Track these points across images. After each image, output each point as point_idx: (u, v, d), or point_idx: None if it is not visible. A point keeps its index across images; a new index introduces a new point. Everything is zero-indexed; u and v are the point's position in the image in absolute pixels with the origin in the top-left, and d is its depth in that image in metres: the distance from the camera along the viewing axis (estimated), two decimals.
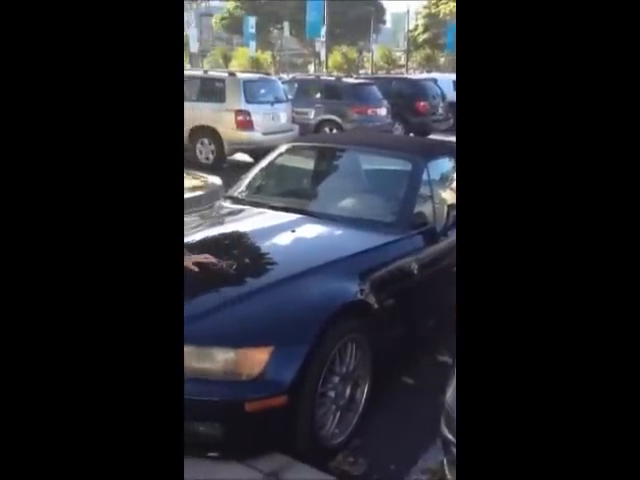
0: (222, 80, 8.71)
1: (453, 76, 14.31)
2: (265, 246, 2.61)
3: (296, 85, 11.54)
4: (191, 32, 23.93)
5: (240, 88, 8.48)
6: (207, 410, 1.91)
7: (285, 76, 16.74)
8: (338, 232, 2.81)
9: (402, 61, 40.26)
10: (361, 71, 34.65)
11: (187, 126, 8.62)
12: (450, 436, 1.60)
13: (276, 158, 3.58)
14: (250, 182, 3.45)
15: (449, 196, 3.11)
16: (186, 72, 10.71)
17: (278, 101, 9.08)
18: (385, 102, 11.09)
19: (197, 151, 8.70)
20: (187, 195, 5.76)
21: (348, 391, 2.28)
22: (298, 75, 16.53)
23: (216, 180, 6.57)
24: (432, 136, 11.00)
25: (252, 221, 2.95)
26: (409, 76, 17.59)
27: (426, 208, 2.92)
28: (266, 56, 35.60)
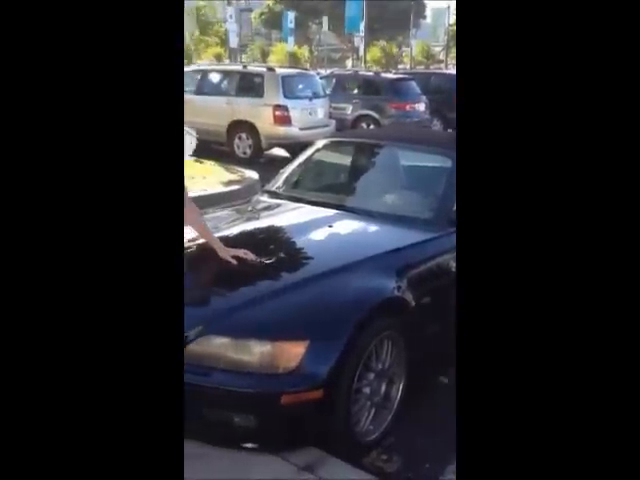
0: (261, 75, 8.77)
1: None
2: (302, 241, 2.61)
3: (334, 80, 11.52)
4: (231, 27, 24.08)
5: (279, 83, 8.51)
6: (243, 401, 1.93)
7: (323, 71, 16.72)
8: (375, 228, 2.80)
9: (441, 56, 39.72)
10: (400, 66, 34.34)
11: (225, 121, 8.73)
12: None
13: (314, 153, 3.58)
14: (288, 177, 3.46)
15: None
16: (225, 67, 10.86)
17: (316, 96, 9.08)
18: (424, 98, 10.96)
19: (235, 146, 8.78)
20: (224, 189, 5.84)
21: (383, 388, 2.27)
22: (336, 70, 16.49)
23: (253, 174, 6.63)
24: None
25: (289, 216, 2.95)
26: (448, 71, 17.37)
27: None
28: (303, 51, 35.62)
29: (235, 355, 1.93)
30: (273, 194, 3.29)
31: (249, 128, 8.60)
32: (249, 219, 3.03)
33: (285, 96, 8.49)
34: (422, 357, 2.45)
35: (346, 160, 3.66)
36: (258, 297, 2.10)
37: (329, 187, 3.44)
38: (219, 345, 1.96)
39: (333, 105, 9.82)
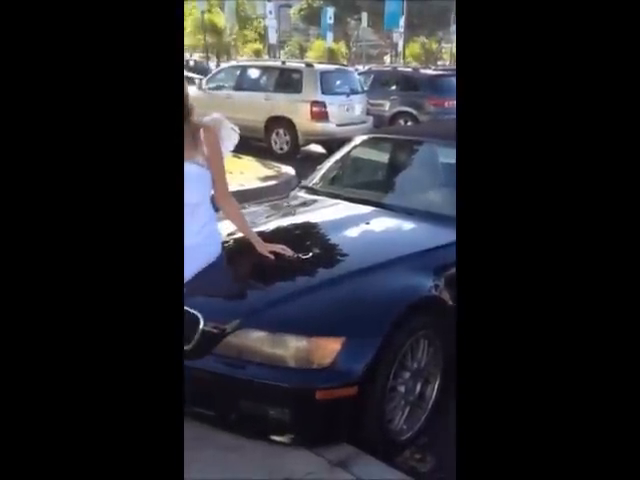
0: (299, 71, 8.78)
1: None
2: (338, 237, 2.61)
3: (372, 76, 11.46)
4: (270, 23, 24.18)
5: (317, 79, 8.51)
6: (278, 395, 1.94)
7: (361, 67, 16.64)
8: (413, 226, 2.77)
9: None
10: (439, 62, 33.92)
11: (263, 117, 8.77)
12: None
13: (352, 150, 3.57)
14: (325, 173, 3.46)
15: None
16: (264, 63, 10.90)
17: (354, 92, 9.05)
18: None
19: (272, 141, 8.83)
20: (261, 184, 5.89)
21: (418, 387, 2.25)
22: (374, 66, 16.39)
23: (290, 170, 6.66)
24: None
25: (326, 212, 2.96)
26: None
27: None
28: (342, 47, 35.55)
29: (271, 349, 1.95)
30: (310, 190, 3.29)
31: (287, 124, 8.62)
32: (285, 215, 3.04)
33: (323, 92, 8.49)
34: None
35: (384, 157, 3.64)
36: (295, 292, 2.11)
37: (366, 184, 3.43)
38: (255, 339, 1.97)
39: (371, 101, 9.76)
